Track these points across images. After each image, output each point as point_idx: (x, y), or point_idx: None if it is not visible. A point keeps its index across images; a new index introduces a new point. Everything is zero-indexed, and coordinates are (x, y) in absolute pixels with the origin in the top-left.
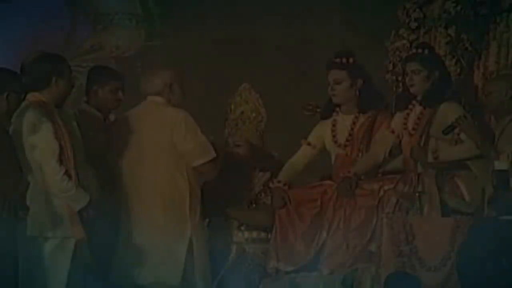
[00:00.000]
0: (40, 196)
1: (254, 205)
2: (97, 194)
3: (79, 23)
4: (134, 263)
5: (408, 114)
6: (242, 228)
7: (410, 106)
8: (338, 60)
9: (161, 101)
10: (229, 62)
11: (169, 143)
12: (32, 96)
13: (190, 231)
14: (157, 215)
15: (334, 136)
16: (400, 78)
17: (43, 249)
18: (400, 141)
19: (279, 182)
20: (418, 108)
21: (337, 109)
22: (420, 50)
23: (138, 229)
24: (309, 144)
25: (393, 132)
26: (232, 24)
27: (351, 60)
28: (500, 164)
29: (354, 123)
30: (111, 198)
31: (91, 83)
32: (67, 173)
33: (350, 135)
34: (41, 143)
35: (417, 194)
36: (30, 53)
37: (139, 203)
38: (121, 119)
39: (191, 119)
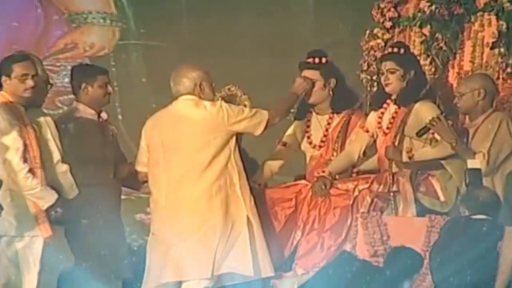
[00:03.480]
0: (5, 195)
1: None
2: (72, 194)
3: (52, 22)
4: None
5: (382, 113)
6: None
7: (385, 105)
8: (310, 60)
9: (195, 98)
10: (205, 61)
11: (218, 133)
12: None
13: (246, 213)
14: (208, 206)
15: (308, 137)
16: (375, 78)
17: (13, 248)
18: (375, 141)
19: (254, 182)
20: (392, 107)
21: (311, 109)
22: (396, 50)
23: (187, 224)
24: (284, 144)
25: (367, 131)
26: (208, 22)
27: (323, 60)
28: (473, 163)
29: (328, 123)
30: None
31: (79, 82)
32: (31, 171)
33: (324, 135)
34: (5, 141)
35: (391, 194)
36: (2, 53)
37: (183, 197)
38: (156, 117)
39: (230, 105)
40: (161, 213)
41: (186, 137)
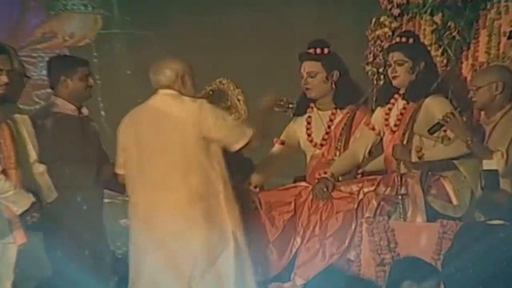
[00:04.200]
0: None
1: None
2: (51, 197)
3: (29, 9)
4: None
5: (390, 109)
6: None
7: (392, 101)
8: (312, 50)
9: (175, 94)
10: (196, 52)
11: (196, 134)
12: None
13: (231, 227)
14: (188, 214)
15: (309, 135)
16: (381, 70)
17: None
18: (381, 139)
19: (249, 184)
20: (400, 103)
21: (312, 104)
22: (404, 39)
23: (163, 233)
24: (282, 143)
25: (373, 129)
26: (199, 9)
27: (326, 50)
28: (489, 164)
29: (331, 120)
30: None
31: (57, 74)
32: (4, 172)
33: (326, 133)
34: None
35: (400, 197)
36: None
37: (161, 202)
38: (132, 114)
39: (213, 106)
40: (138, 219)
41: (161, 136)
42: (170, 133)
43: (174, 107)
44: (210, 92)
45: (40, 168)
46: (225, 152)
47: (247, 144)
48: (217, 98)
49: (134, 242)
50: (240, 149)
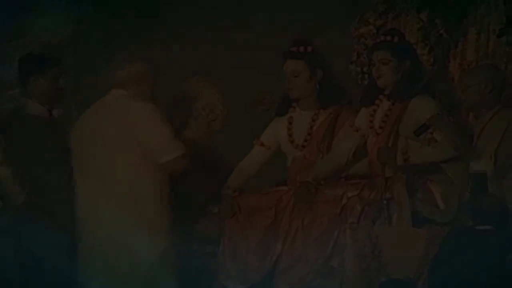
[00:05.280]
0: None
1: (199, 215)
2: (18, 200)
3: None
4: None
5: (374, 110)
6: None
7: (377, 101)
8: (295, 48)
9: (125, 94)
10: (174, 51)
11: (134, 139)
12: None
13: (160, 238)
14: (121, 218)
15: (290, 136)
16: (365, 69)
17: None
18: (366, 141)
19: (228, 188)
20: (385, 104)
21: (295, 104)
22: (389, 37)
23: (101, 234)
24: (262, 144)
25: (357, 130)
26: (177, 8)
27: (309, 48)
28: (477, 166)
29: (313, 120)
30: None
31: (27, 74)
32: None
33: (309, 134)
34: None
35: (384, 202)
36: None
37: (101, 206)
38: (83, 115)
39: (157, 113)
40: (84, 220)
41: (103, 135)
42: (111, 132)
43: (120, 109)
44: (186, 91)
45: (6, 171)
46: (203, 153)
47: (174, 160)
48: (193, 97)
49: (82, 247)
50: (168, 163)
